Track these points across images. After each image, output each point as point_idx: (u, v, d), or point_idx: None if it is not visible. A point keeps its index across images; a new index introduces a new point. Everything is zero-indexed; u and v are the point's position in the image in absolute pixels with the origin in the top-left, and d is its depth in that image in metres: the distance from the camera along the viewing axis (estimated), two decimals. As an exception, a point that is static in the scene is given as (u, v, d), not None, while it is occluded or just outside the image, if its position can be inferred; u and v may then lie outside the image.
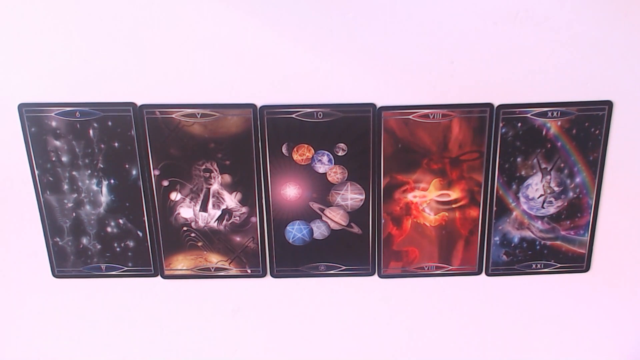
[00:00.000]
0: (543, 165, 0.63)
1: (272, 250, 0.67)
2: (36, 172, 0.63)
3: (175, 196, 0.64)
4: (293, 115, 0.61)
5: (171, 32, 0.58)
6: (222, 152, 0.62)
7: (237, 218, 0.65)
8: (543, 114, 0.61)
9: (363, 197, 0.64)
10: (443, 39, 0.58)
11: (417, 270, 0.68)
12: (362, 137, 0.62)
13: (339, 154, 0.62)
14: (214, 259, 0.67)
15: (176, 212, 0.65)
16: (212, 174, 0.63)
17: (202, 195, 0.64)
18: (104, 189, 0.64)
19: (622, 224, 0.67)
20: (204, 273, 0.68)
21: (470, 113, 0.61)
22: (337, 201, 0.64)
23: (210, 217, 0.65)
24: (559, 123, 0.61)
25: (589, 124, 0.61)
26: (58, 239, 0.66)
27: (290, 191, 0.64)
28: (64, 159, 0.63)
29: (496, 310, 0.72)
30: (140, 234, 0.66)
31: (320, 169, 0.63)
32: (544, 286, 0.70)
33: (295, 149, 0.62)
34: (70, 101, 0.60)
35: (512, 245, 0.67)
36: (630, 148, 0.63)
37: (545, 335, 0.73)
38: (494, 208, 0.65)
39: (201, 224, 0.65)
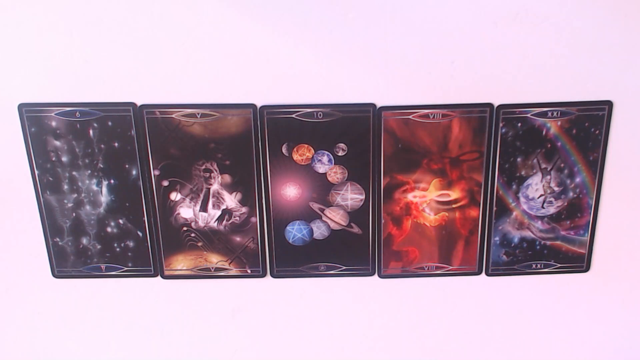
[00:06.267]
0: (543, 165, 0.63)
1: (272, 250, 0.67)
2: (36, 172, 0.63)
3: (175, 196, 0.64)
4: (293, 115, 0.61)
5: (171, 32, 0.58)
6: (222, 152, 0.62)
7: (237, 218, 0.65)
8: (543, 114, 0.61)
9: (363, 197, 0.64)
10: (443, 39, 0.58)
11: (417, 270, 0.68)
12: (362, 137, 0.62)
13: (339, 154, 0.62)
14: (214, 259, 0.67)
15: (176, 212, 0.65)
16: (212, 174, 0.63)
17: (202, 195, 0.64)
18: (104, 189, 0.64)
19: (622, 224, 0.67)
20: (204, 273, 0.68)
21: (470, 113, 0.61)
22: (337, 201, 0.64)
23: (210, 217, 0.65)
24: (559, 123, 0.61)
25: (589, 124, 0.61)
26: (58, 239, 0.66)
27: (290, 191, 0.64)
28: (64, 159, 0.63)
29: (496, 310, 0.72)
30: (140, 234, 0.66)
31: (320, 169, 0.63)
32: (544, 286, 0.70)
33: (295, 149, 0.62)
34: (70, 101, 0.60)
35: (512, 245, 0.67)
36: (630, 148, 0.63)
37: (545, 335, 0.73)
38: (494, 208, 0.65)
39: (201, 224, 0.65)
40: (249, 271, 0.68)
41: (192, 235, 0.66)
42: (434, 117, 0.61)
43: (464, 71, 0.59)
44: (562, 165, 0.63)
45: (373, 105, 0.60)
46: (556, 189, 0.64)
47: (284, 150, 0.62)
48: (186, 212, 0.65)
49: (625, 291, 0.71)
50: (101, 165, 0.63)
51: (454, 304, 0.71)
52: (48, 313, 0.72)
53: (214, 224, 0.65)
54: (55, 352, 0.74)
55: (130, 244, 0.66)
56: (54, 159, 0.63)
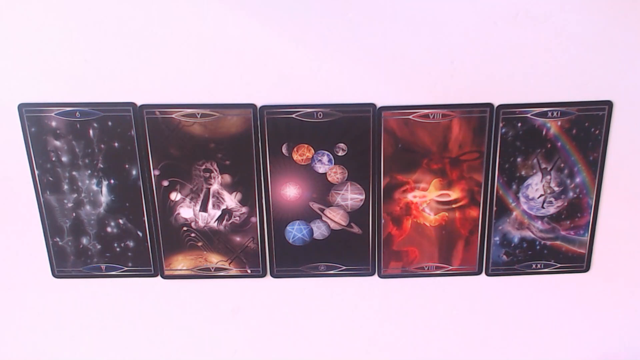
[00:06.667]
0: (543, 165, 0.63)
1: (272, 250, 0.67)
2: (36, 172, 0.63)
3: (175, 196, 0.64)
4: (293, 115, 0.61)
5: (171, 32, 0.58)
6: (222, 152, 0.62)
7: (237, 218, 0.65)
8: (543, 114, 0.61)
9: (363, 197, 0.64)
10: (443, 39, 0.58)
11: (417, 270, 0.68)
12: (362, 137, 0.62)
13: (339, 154, 0.62)
14: (214, 259, 0.67)
15: (176, 212, 0.65)
16: (212, 174, 0.63)
17: (202, 195, 0.64)
18: (104, 189, 0.64)
19: (622, 224, 0.67)
20: (204, 273, 0.68)
21: (470, 113, 0.61)
22: (337, 201, 0.64)
23: (210, 217, 0.65)
24: (559, 123, 0.61)
25: (589, 124, 0.61)
26: (58, 239, 0.66)
27: (290, 191, 0.64)
28: (64, 159, 0.63)
29: (496, 310, 0.72)
30: (140, 234, 0.66)
31: (320, 169, 0.63)
32: (544, 286, 0.70)
33: (295, 149, 0.62)
34: (70, 101, 0.60)
35: (512, 245, 0.67)
36: (630, 148, 0.63)
37: (545, 335, 0.73)
38: (494, 208, 0.65)
39: (201, 224, 0.65)
40: (249, 271, 0.68)
41: (192, 235, 0.66)
42: (434, 117, 0.61)
43: (464, 71, 0.59)
44: (562, 165, 0.63)
45: (373, 105, 0.60)
46: (556, 189, 0.64)
47: (284, 150, 0.62)
48: (186, 212, 0.65)
49: (625, 291, 0.71)
50: (101, 165, 0.63)
51: (454, 304, 0.71)
52: (48, 313, 0.72)
53: (214, 224, 0.65)
54: (55, 352, 0.74)
55: (130, 244, 0.66)
56: (54, 159, 0.63)
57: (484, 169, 0.63)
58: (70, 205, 0.65)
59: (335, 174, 0.63)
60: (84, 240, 0.66)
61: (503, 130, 0.61)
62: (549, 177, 0.64)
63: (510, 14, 0.57)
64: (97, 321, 0.72)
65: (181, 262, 0.67)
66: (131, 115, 0.61)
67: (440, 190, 0.64)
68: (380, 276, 0.69)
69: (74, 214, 0.65)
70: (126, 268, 0.68)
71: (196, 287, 0.70)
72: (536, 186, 0.64)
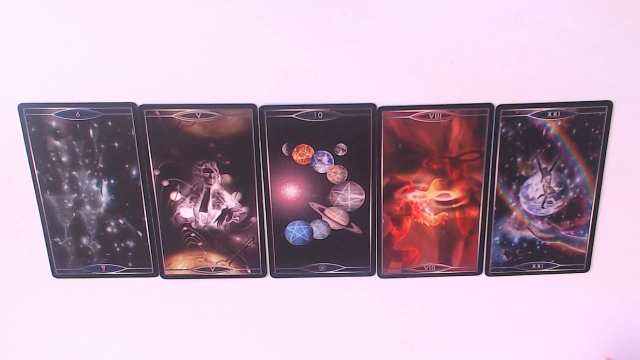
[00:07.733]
0: (543, 165, 0.63)
1: (272, 250, 0.67)
2: (36, 172, 0.63)
3: (175, 196, 0.64)
4: (293, 115, 0.61)
5: (171, 32, 0.58)
6: (222, 152, 0.62)
7: (237, 218, 0.65)
8: (543, 114, 0.61)
9: (363, 197, 0.64)
10: (443, 39, 0.58)
11: (417, 270, 0.68)
12: (362, 137, 0.62)
13: (339, 154, 0.62)
14: (214, 259, 0.67)
15: (176, 212, 0.65)
16: (212, 174, 0.63)
17: (202, 195, 0.64)
18: (104, 189, 0.64)
19: (622, 224, 0.67)
20: (204, 273, 0.68)
21: (470, 113, 0.61)
22: (337, 201, 0.64)
23: (210, 217, 0.65)
24: (559, 123, 0.61)
25: (589, 124, 0.61)
26: (58, 239, 0.66)
27: (290, 191, 0.64)
28: (64, 159, 0.63)
29: (496, 310, 0.72)
30: (140, 234, 0.66)
31: (320, 169, 0.63)
32: (544, 286, 0.70)
33: (295, 149, 0.62)
34: (70, 101, 0.60)
35: (512, 245, 0.67)
36: (630, 148, 0.63)
37: (546, 335, 0.73)
38: (494, 208, 0.65)
39: (201, 224, 0.65)
40: (249, 271, 0.68)
41: (192, 235, 0.66)
42: (434, 117, 0.61)
43: (464, 71, 0.59)
44: (562, 165, 0.63)
45: (373, 105, 0.60)
46: (556, 189, 0.64)
47: (284, 150, 0.62)
48: (186, 212, 0.65)
49: (625, 291, 0.71)
50: (101, 165, 0.63)
51: (454, 304, 0.71)
52: (48, 313, 0.72)
53: (214, 224, 0.65)
54: (56, 352, 0.74)
55: (130, 244, 0.66)
56: (54, 159, 0.63)
57: (484, 169, 0.63)
58: (70, 205, 0.65)
59: (335, 174, 0.63)
60: (84, 240, 0.66)
61: (503, 130, 0.61)
62: (549, 177, 0.64)
63: (510, 14, 0.57)
64: (97, 321, 0.72)
65: (181, 262, 0.67)
66: (131, 115, 0.61)
67: (440, 190, 0.64)
68: (380, 276, 0.69)
69: (74, 214, 0.65)
70: (126, 268, 0.68)
71: (196, 287, 0.70)
72: (536, 186, 0.64)
